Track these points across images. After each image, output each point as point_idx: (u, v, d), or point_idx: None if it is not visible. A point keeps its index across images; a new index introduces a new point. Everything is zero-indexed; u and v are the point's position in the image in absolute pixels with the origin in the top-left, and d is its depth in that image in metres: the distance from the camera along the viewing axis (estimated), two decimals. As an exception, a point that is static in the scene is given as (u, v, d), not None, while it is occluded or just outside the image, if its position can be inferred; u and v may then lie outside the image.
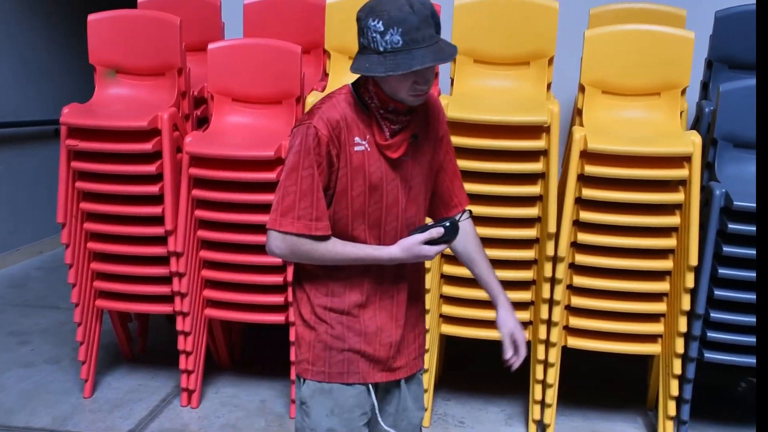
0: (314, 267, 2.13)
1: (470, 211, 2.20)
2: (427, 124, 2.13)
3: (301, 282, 2.17)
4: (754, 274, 3.36)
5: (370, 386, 2.17)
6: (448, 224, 1.99)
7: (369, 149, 2.01)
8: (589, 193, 3.42)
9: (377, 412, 2.20)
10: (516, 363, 2.17)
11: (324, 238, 2.02)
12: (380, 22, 1.82)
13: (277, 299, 3.76)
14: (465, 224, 2.19)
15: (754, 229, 3.28)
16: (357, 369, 2.14)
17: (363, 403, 2.17)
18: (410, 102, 1.96)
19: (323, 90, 3.77)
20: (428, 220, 2.15)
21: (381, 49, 1.84)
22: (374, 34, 1.84)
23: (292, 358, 3.79)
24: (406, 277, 2.18)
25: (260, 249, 3.68)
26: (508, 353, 2.17)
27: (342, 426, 2.14)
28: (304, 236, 2.00)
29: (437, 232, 1.97)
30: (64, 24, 6.60)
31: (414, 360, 2.27)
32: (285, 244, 2.02)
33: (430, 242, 2.00)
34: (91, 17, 3.78)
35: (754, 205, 3.26)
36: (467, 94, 3.64)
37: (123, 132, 3.61)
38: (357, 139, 2.00)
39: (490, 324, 3.63)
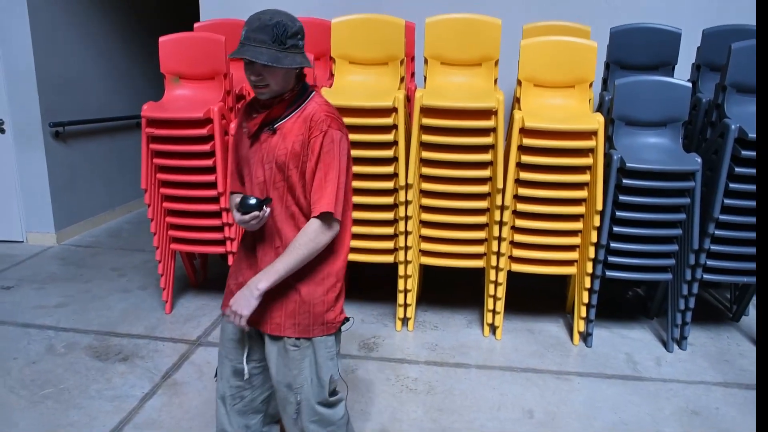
0: None
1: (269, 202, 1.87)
2: (296, 127, 1.83)
3: None
4: (642, 215, 3.34)
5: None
6: (251, 201, 1.78)
7: (246, 130, 1.91)
8: (526, 158, 3.34)
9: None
10: (229, 319, 1.88)
11: (232, 193, 2.06)
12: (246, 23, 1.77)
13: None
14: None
15: (642, 182, 3.27)
16: (225, 303, 2.01)
17: (227, 328, 2.04)
18: (256, 92, 1.82)
19: (330, 86, 3.63)
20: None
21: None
22: None
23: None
24: (265, 254, 1.92)
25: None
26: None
27: (221, 337, 2.06)
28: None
29: (238, 199, 1.87)
30: (141, 44, 6.44)
31: (277, 324, 1.92)
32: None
33: (239, 210, 1.81)
34: (161, 39, 3.65)
35: (642, 165, 3.23)
36: (437, 87, 3.52)
37: (185, 121, 3.49)
38: (244, 123, 1.92)
39: (459, 256, 3.62)
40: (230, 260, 3.71)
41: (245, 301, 1.81)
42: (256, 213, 1.79)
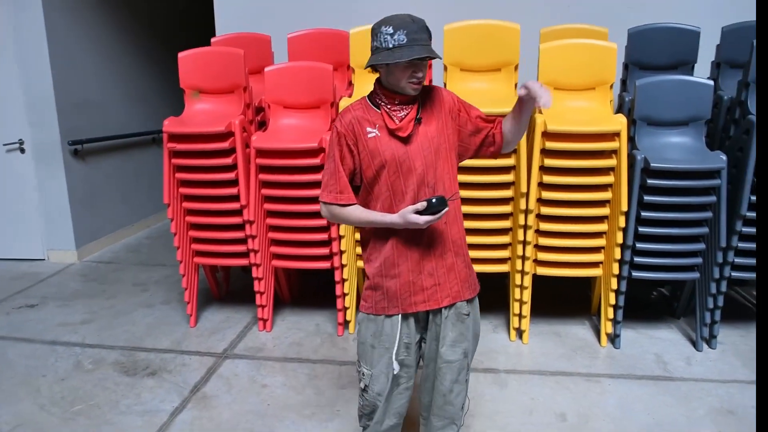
0: (363, 232, 2.15)
1: (458, 198, 2.10)
2: (432, 108, 2.02)
3: (362, 242, 2.17)
4: (667, 215, 3.34)
5: (401, 317, 2.10)
6: (433, 200, 1.87)
7: (379, 134, 1.98)
8: (549, 162, 3.34)
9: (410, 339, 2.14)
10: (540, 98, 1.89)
11: (347, 206, 2.03)
12: (390, 27, 1.85)
13: (323, 251, 3.67)
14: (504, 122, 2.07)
15: (667, 182, 3.26)
16: (395, 304, 2.08)
17: (394, 330, 2.10)
18: (410, 90, 1.94)
19: (350, 96, 3.65)
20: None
21: (390, 45, 1.85)
22: (386, 36, 1.85)
23: (338, 293, 3.73)
24: (435, 232, 2.05)
25: (310, 215, 3.63)
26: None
27: (379, 344, 2.11)
28: (333, 204, 2.04)
29: (422, 205, 1.87)
30: (156, 60, 6.52)
31: (457, 292, 2.10)
32: (325, 209, 2.08)
33: (421, 213, 1.89)
34: (180, 54, 3.68)
35: (666, 165, 3.23)
36: (457, 94, 3.51)
37: (207, 135, 3.52)
38: (368, 129, 1.99)
39: (484, 261, 3.61)
40: (254, 272, 3.73)
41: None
42: (446, 209, 1.90)
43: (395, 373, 2.11)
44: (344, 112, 2.03)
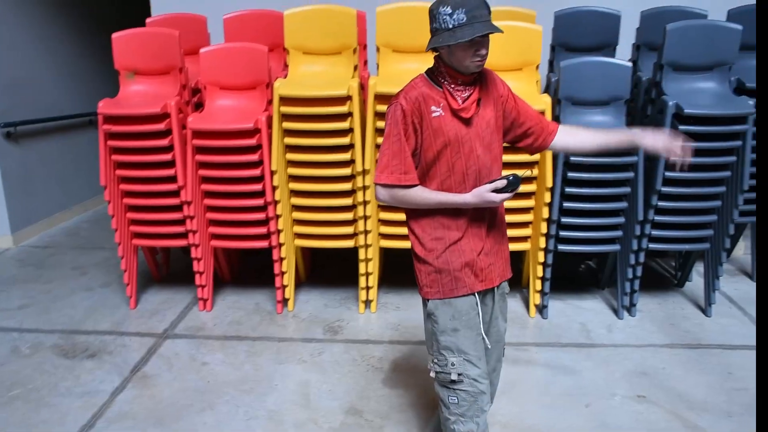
0: (417, 216, 2.06)
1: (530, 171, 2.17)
2: (488, 91, 2.00)
3: (412, 227, 2.09)
4: (590, 190, 3.50)
5: (476, 295, 2.07)
6: (511, 178, 1.88)
7: (444, 114, 1.93)
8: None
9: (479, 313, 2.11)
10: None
11: (412, 187, 1.97)
12: (448, 7, 1.80)
13: (261, 231, 3.71)
14: (567, 128, 2.13)
15: (587, 158, 3.41)
16: (464, 284, 2.04)
17: (472, 307, 2.07)
18: (474, 68, 1.89)
19: (285, 77, 3.67)
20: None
21: (450, 26, 1.80)
22: (444, 17, 1.81)
23: (276, 271, 3.78)
24: (493, 214, 2.07)
25: (247, 195, 3.66)
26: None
27: (462, 325, 2.05)
28: (397, 186, 1.96)
29: (501, 183, 1.89)
30: (90, 40, 6.34)
31: (504, 270, 2.17)
32: (385, 192, 1.99)
33: (498, 191, 1.91)
34: (114, 35, 3.64)
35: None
36: (390, 74, 3.57)
37: (143, 117, 3.51)
38: (433, 108, 1.93)
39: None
40: (193, 252, 3.75)
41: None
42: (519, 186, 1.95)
43: (488, 346, 2.11)
44: (409, 88, 1.97)
